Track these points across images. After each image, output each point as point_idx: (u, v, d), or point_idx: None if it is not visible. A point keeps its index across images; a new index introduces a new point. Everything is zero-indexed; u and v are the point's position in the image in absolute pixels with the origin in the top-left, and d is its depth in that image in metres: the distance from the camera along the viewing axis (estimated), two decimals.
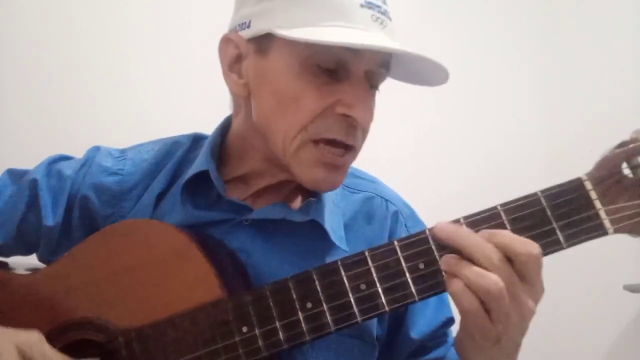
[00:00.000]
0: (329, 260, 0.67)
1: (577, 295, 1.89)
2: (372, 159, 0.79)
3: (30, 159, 0.78)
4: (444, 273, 0.55)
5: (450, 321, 0.75)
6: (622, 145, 0.57)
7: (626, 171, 0.56)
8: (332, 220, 0.71)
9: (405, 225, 0.76)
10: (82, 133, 1.44)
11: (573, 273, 1.89)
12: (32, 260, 0.76)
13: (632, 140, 0.56)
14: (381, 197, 0.77)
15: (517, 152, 1.95)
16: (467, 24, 1.97)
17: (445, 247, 0.56)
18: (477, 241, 0.53)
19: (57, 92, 1.55)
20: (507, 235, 0.53)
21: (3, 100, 1.51)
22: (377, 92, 0.68)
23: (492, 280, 0.51)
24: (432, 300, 0.68)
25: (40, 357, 0.56)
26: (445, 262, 0.54)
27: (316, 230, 0.69)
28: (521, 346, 0.57)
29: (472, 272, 0.52)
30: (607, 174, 0.55)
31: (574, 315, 1.90)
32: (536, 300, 0.54)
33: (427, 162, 1.88)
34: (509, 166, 1.88)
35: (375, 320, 0.69)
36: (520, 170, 1.85)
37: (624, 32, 1.89)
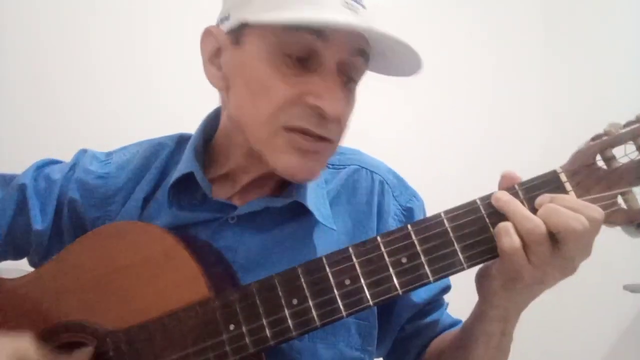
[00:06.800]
0: (317, 240, 0.68)
1: (577, 295, 1.88)
2: (370, 145, 0.79)
3: (26, 162, 0.78)
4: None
5: (447, 288, 0.76)
6: (596, 137, 0.58)
7: (600, 163, 0.57)
8: (317, 199, 0.71)
9: (393, 195, 0.75)
10: (76, 135, 1.44)
11: None
12: (23, 264, 0.76)
13: (606, 133, 0.57)
14: (365, 168, 0.76)
15: (513, 145, 1.97)
16: (466, 16, 1.99)
17: (428, 241, 0.57)
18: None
19: (55, 93, 1.55)
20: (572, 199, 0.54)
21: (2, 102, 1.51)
22: (356, 86, 0.68)
23: (535, 222, 0.52)
24: None
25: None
26: (496, 197, 0.56)
27: (301, 212, 0.69)
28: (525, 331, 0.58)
29: (519, 211, 0.54)
30: (581, 165, 0.56)
31: (574, 315, 1.89)
32: (579, 261, 0.55)
33: (425, 152, 1.89)
34: (505, 158, 1.90)
35: None
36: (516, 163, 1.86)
37: (623, 30, 1.91)
